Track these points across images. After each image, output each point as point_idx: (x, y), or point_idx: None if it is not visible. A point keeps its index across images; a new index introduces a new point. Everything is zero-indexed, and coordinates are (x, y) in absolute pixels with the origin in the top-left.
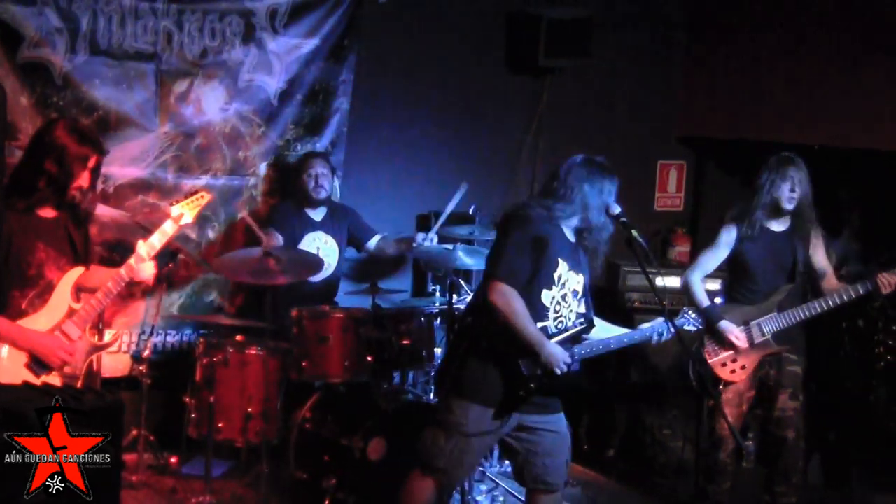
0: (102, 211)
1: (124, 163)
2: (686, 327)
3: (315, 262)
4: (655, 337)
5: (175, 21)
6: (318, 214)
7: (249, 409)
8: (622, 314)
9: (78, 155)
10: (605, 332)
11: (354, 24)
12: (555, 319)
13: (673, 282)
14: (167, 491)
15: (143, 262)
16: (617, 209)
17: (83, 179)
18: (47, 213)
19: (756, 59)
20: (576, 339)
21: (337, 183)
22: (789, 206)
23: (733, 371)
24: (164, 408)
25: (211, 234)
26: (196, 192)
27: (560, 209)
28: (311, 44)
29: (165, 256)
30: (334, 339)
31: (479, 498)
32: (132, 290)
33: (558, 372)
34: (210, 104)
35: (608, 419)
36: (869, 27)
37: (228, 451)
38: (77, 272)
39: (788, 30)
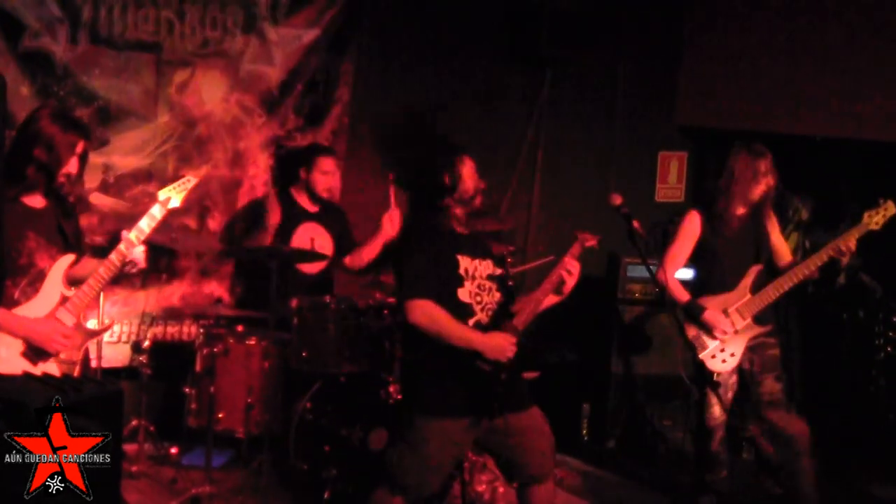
0: (102, 201)
1: (125, 153)
2: (587, 245)
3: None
4: (568, 270)
5: (176, 11)
6: (312, 206)
7: (250, 400)
8: (624, 304)
9: (65, 141)
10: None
11: (355, 14)
12: (482, 310)
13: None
14: (167, 481)
15: (133, 246)
16: (618, 201)
17: (71, 166)
18: (36, 202)
19: (757, 48)
20: (509, 315)
21: (337, 175)
22: (753, 197)
23: (724, 361)
24: (164, 398)
25: (211, 225)
26: (182, 175)
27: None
28: (312, 34)
29: (161, 252)
30: (335, 329)
31: (479, 489)
32: (132, 281)
33: (504, 360)
34: (211, 94)
35: (608, 410)
36: (875, 16)
37: (229, 441)
38: (68, 259)
39: (789, 18)
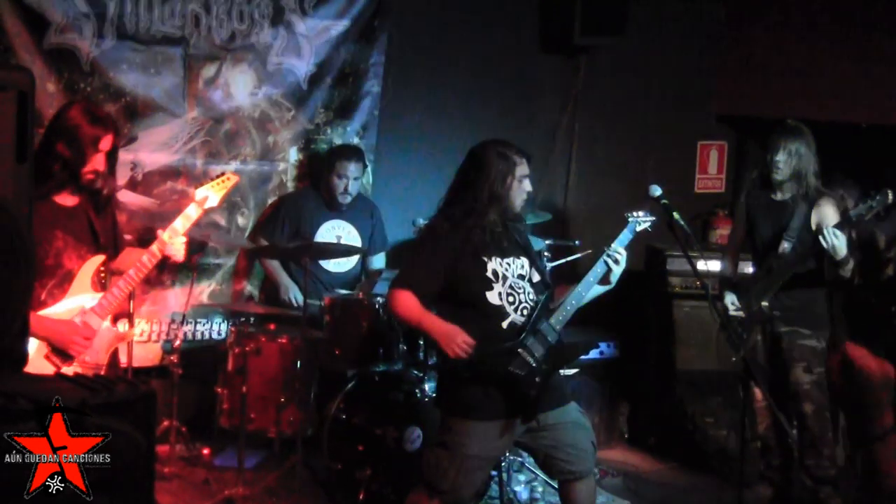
0: (130, 199)
1: (152, 149)
2: (639, 228)
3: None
4: (614, 258)
5: (203, 4)
6: (339, 203)
7: (282, 399)
8: (664, 299)
9: (90, 136)
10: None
11: (385, 4)
12: (516, 310)
13: (715, 266)
14: (199, 482)
15: (166, 247)
16: (658, 191)
17: (97, 162)
18: (66, 199)
19: (799, 33)
20: (547, 311)
21: (369, 168)
22: (777, 176)
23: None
24: (195, 398)
25: (241, 221)
26: (222, 173)
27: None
28: (340, 25)
29: (194, 245)
30: (367, 327)
31: (517, 489)
32: (161, 279)
33: (451, 353)
34: (239, 88)
35: (648, 407)
36: None
37: (261, 441)
38: (97, 260)
39: (832, 2)
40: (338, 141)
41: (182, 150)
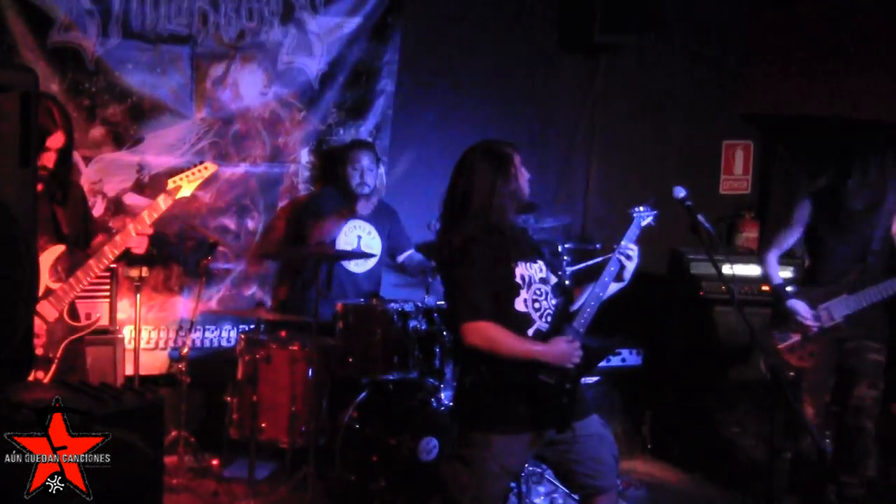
0: (136, 201)
1: (159, 151)
2: (644, 223)
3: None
4: (626, 255)
5: (210, 1)
6: (361, 206)
7: (294, 408)
8: (690, 304)
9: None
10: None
11: (398, 0)
12: (541, 317)
13: (741, 269)
14: (209, 495)
15: (130, 238)
16: (681, 193)
17: (46, 160)
18: None
19: (828, 28)
20: (568, 317)
21: (382, 170)
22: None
23: (801, 357)
24: (204, 407)
25: (250, 224)
26: (201, 162)
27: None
28: (353, 23)
29: (204, 248)
30: (382, 333)
31: (536, 501)
32: (169, 284)
33: (572, 365)
34: (248, 88)
35: (672, 416)
36: None
37: (272, 452)
38: (56, 251)
39: None
40: None
41: (190, 152)
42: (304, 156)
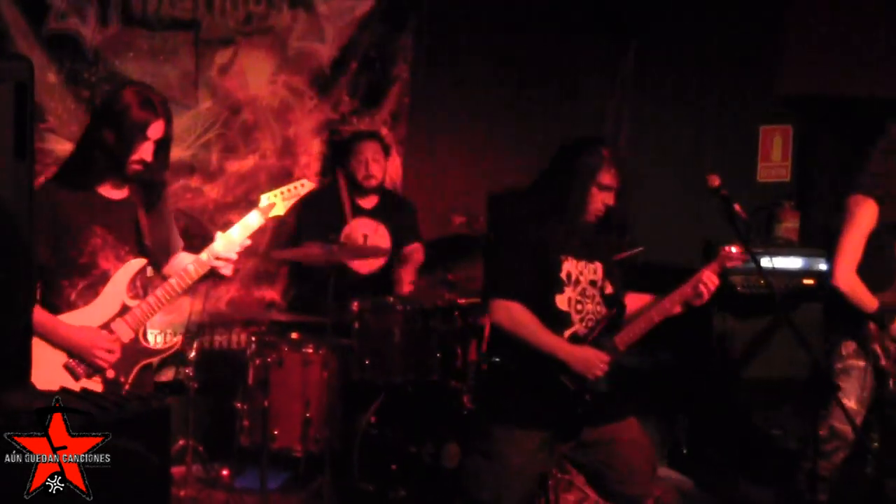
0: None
1: None
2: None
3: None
4: (707, 286)
5: None
6: (368, 201)
7: (308, 415)
8: (728, 300)
9: (137, 120)
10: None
11: None
12: (581, 321)
13: (780, 262)
14: None
15: (219, 259)
16: (716, 182)
17: (144, 151)
18: (111, 192)
19: (868, 5)
20: (613, 327)
21: (398, 162)
22: None
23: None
24: (213, 414)
25: None
26: (297, 179)
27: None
28: (365, 5)
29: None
30: (400, 334)
31: None
32: None
33: (591, 378)
34: (256, 76)
35: (709, 419)
36: None
37: (285, 461)
38: (137, 264)
39: None
40: None
41: (195, 145)
42: (316, 147)
